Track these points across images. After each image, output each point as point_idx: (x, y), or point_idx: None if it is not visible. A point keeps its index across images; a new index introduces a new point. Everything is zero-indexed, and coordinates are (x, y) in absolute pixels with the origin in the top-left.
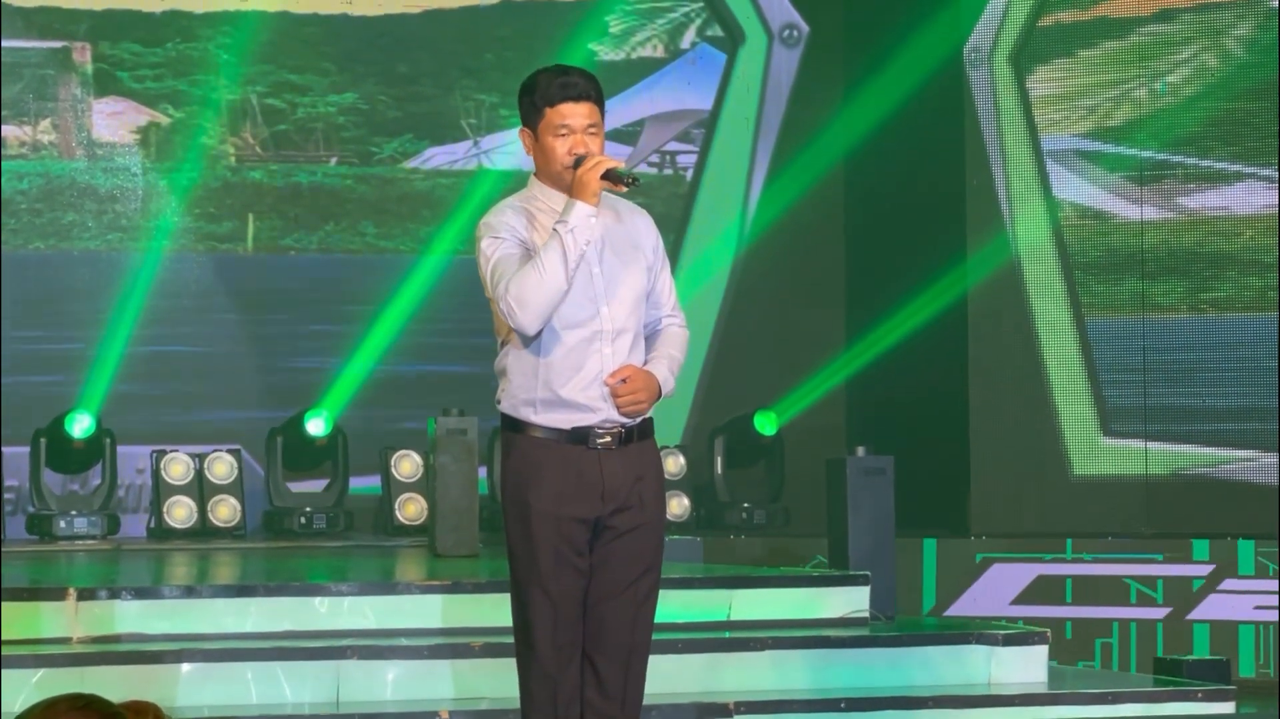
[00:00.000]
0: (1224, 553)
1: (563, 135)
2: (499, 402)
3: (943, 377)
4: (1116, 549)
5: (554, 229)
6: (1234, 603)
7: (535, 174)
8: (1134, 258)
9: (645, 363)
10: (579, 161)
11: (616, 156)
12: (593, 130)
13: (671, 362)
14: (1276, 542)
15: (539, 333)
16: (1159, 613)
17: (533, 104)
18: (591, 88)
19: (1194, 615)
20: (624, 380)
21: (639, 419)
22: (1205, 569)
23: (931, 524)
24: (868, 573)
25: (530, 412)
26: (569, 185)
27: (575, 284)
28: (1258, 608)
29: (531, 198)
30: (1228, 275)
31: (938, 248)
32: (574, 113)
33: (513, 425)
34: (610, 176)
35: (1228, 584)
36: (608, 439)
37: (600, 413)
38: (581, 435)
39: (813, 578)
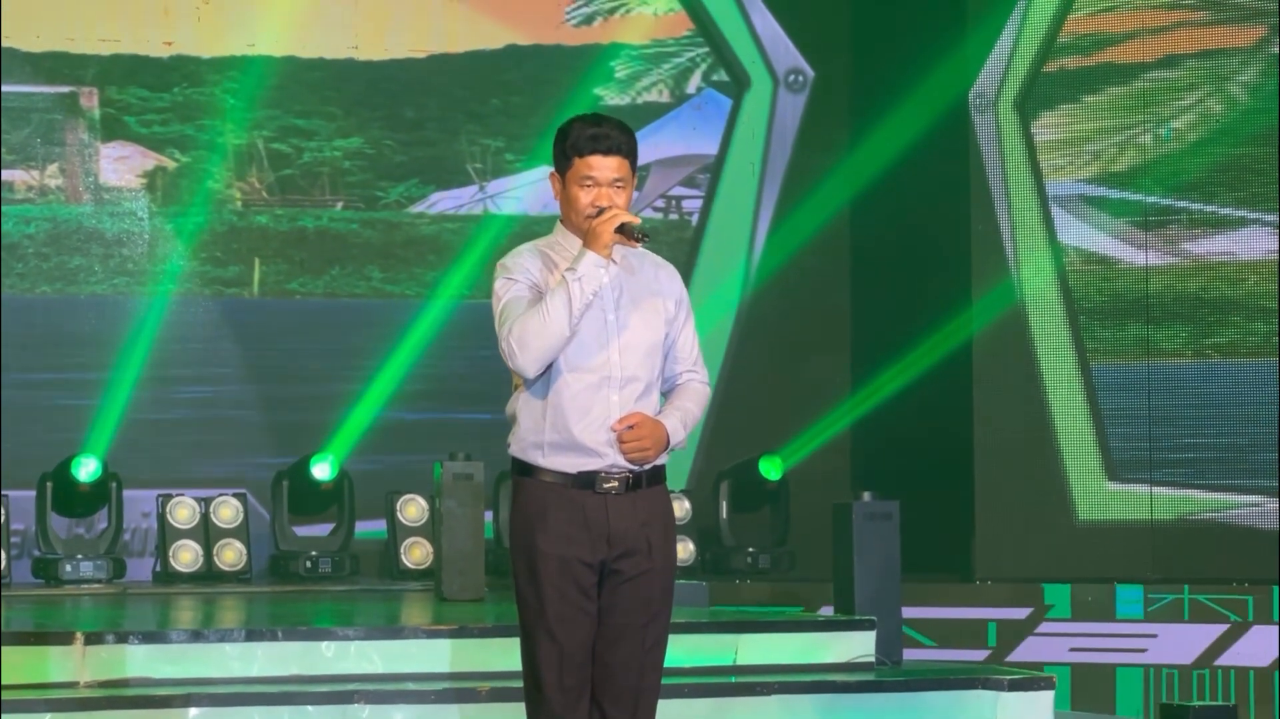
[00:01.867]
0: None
1: (587, 186)
2: (509, 444)
3: (948, 421)
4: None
5: (563, 276)
6: (1051, 644)
7: (561, 219)
8: (1139, 303)
9: (658, 413)
10: (601, 214)
11: (635, 212)
12: (619, 184)
13: (685, 414)
14: (1275, 586)
15: (539, 376)
16: (979, 654)
17: (563, 152)
18: (624, 141)
19: (1013, 657)
20: (631, 428)
21: (647, 466)
22: (1024, 612)
23: (937, 569)
24: (873, 618)
25: (538, 454)
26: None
27: (587, 330)
28: (1073, 649)
29: (554, 243)
30: (1232, 321)
31: (943, 293)
32: (602, 165)
33: (521, 469)
34: (623, 230)
35: (1045, 627)
36: (614, 484)
37: (607, 458)
38: (588, 480)
39: (819, 623)
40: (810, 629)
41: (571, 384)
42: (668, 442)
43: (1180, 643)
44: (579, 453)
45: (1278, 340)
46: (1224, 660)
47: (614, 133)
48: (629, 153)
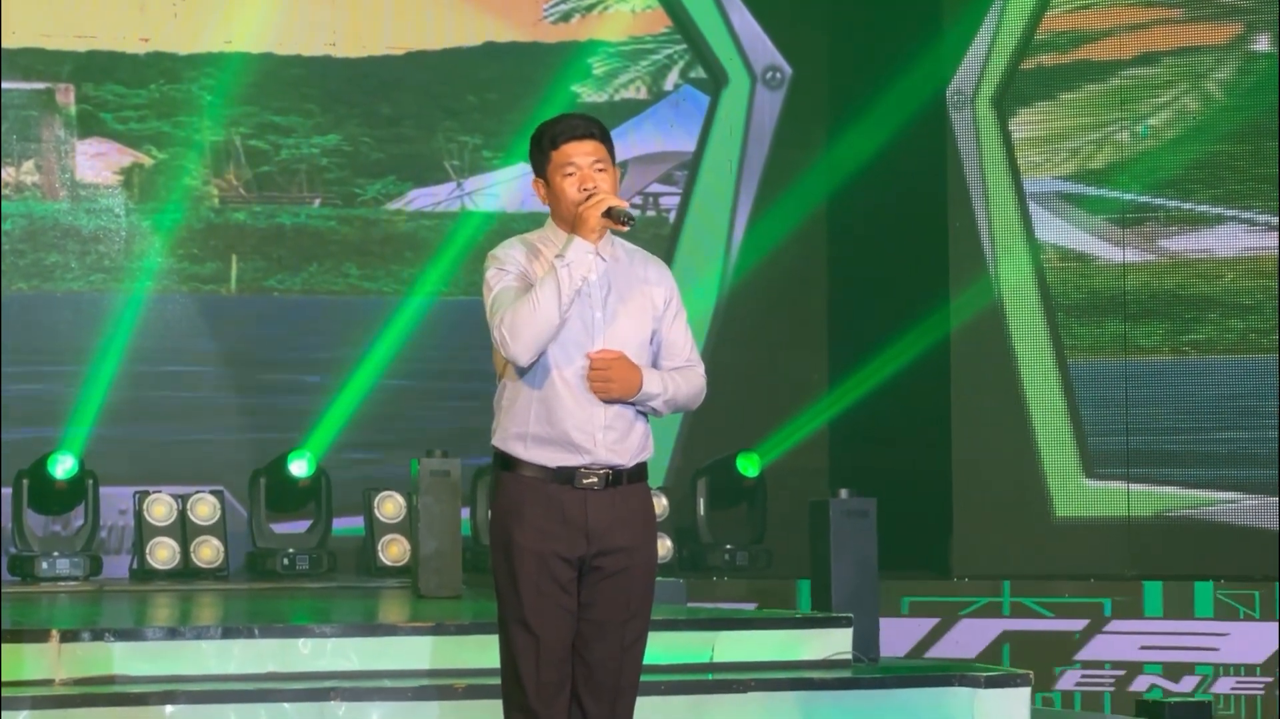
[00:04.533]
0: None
1: (570, 174)
2: (493, 434)
3: (925, 419)
4: None
5: (552, 263)
6: None
7: (552, 218)
8: (1116, 300)
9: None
10: (588, 200)
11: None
12: (599, 166)
13: (670, 380)
14: (1276, 583)
15: (531, 365)
16: None
17: (540, 150)
18: (593, 126)
19: None
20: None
21: (631, 463)
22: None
23: (914, 566)
24: (850, 615)
25: (520, 447)
26: None
27: (574, 325)
28: None
29: (544, 237)
30: (1209, 318)
31: (920, 290)
32: (578, 150)
33: (503, 462)
34: (611, 214)
35: None
36: (593, 480)
37: (588, 454)
38: (567, 475)
39: (796, 620)
40: (787, 626)
41: (556, 380)
42: (639, 388)
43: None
44: (561, 447)
45: (1278, 337)
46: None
47: (580, 121)
48: (602, 137)
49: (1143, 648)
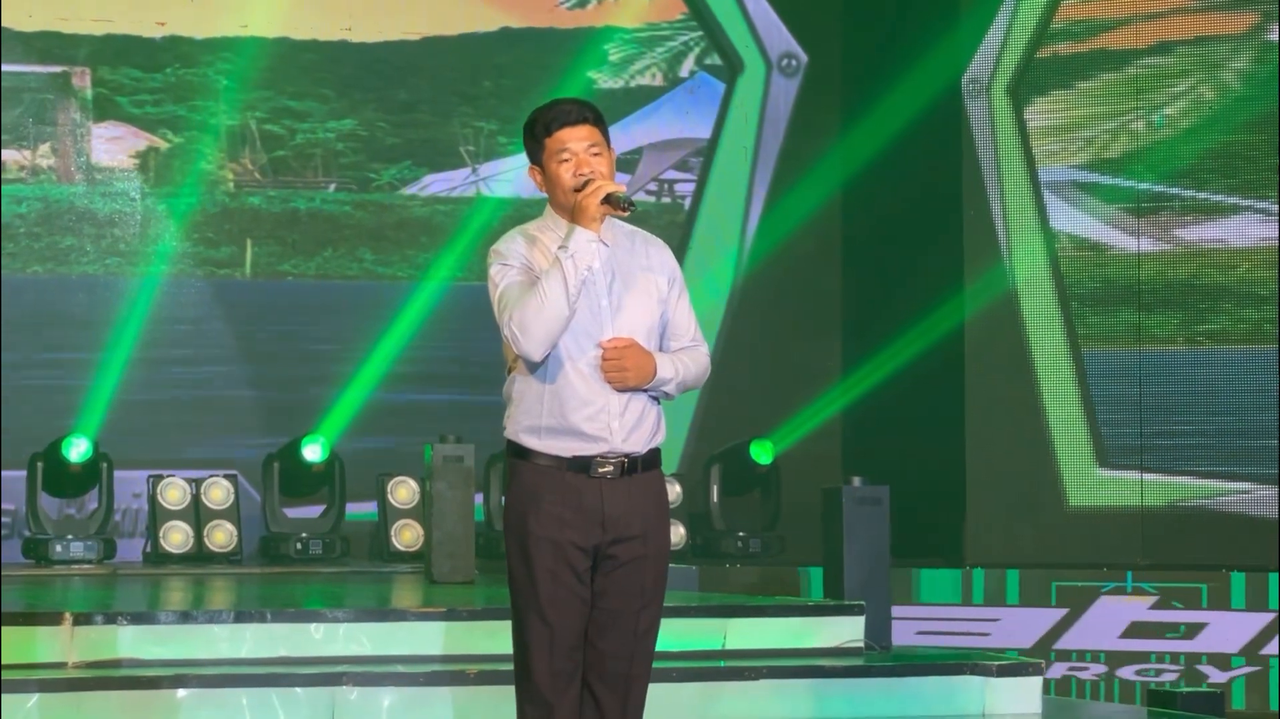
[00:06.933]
0: None
1: (566, 161)
2: (504, 427)
3: (939, 407)
4: None
5: (556, 255)
6: None
7: (550, 205)
8: (1130, 289)
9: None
10: (585, 187)
11: (618, 181)
12: (595, 151)
13: (680, 362)
14: (1277, 572)
15: (544, 359)
16: None
17: (533, 137)
18: (586, 111)
19: None
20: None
21: (645, 450)
22: None
23: (927, 554)
24: (862, 602)
25: (534, 439)
26: None
27: (582, 315)
28: None
29: (543, 225)
30: (1223, 308)
31: (935, 278)
32: (572, 136)
33: (517, 452)
34: (610, 201)
35: None
36: (608, 469)
37: (603, 443)
38: (583, 464)
39: (808, 607)
40: (799, 614)
41: (569, 371)
42: (653, 374)
43: None
44: (576, 438)
45: (1278, 327)
46: None
47: (573, 106)
48: (595, 120)
49: (919, 633)
